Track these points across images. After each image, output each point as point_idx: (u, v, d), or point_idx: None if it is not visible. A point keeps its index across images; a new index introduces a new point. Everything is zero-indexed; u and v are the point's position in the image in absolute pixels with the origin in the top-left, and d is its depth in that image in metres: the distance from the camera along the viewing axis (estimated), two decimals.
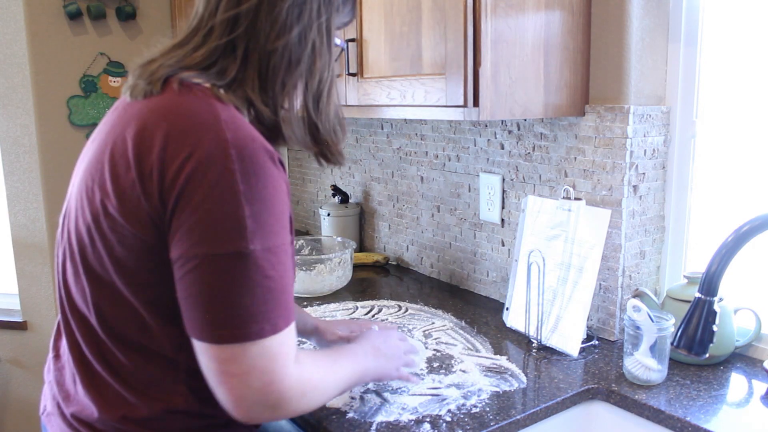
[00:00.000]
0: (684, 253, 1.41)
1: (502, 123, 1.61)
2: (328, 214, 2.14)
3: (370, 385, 1.18)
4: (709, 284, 0.97)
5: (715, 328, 0.98)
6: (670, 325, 1.17)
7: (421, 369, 1.26)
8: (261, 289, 0.76)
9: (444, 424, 1.05)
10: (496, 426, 1.05)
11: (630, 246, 1.37)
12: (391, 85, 1.42)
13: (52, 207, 2.47)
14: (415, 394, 1.15)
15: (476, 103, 1.23)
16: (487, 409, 1.10)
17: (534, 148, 1.53)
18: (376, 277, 1.94)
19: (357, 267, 2.00)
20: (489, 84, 1.24)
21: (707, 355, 0.99)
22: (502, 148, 1.62)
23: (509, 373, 1.25)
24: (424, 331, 1.47)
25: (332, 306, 1.67)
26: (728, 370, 1.24)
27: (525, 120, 1.54)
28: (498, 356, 1.33)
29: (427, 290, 1.80)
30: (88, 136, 0.89)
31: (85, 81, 2.52)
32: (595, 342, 1.37)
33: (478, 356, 1.33)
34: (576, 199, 1.39)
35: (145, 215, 0.78)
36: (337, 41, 0.96)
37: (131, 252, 0.81)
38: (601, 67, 1.37)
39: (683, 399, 1.13)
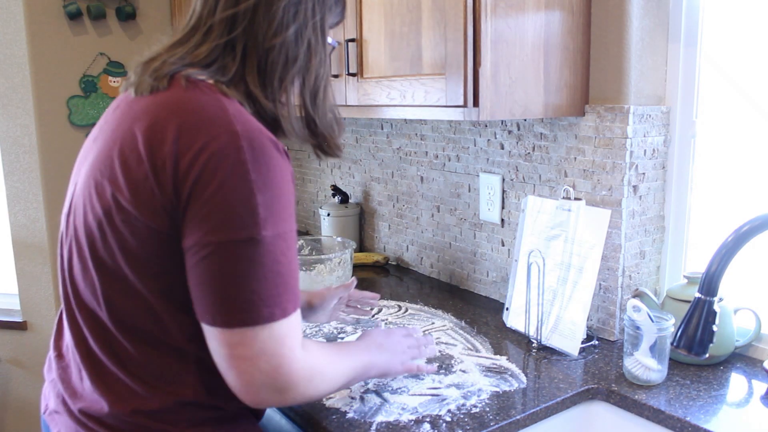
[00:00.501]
0: (684, 253, 1.41)
1: (502, 123, 1.61)
2: (328, 214, 2.14)
3: (370, 385, 1.18)
4: (709, 284, 0.97)
5: (715, 328, 0.98)
6: (670, 325, 1.17)
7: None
8: (272, 274, 0.79)
9: (444, 424, 1.05)
10: (496, 426, 1.05)
11: (630, 246, 1.37)
12: (391, 85, 1.42)
13: (52, 207, 2.48)
14: (415, 394, 1.15)
15: (476, 103, 1.23)
16: (487, 409, 1.10)
17: (534, 148, 1.53)
18: (376, 277, 1.94)
19: (357, 267, 2.00)
20: (489, 84, 1.24)
21: (707, 355, 0.99)
22: (502, 148, 1.62)
23: (509, 373, 1.25)
24: (424, 331, 1.47)
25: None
26: (728, 370, 1.24)
27: (525, 120, 1.54)
28: (498, 356, 1.33)
29: (427, 290, 1.80)
30: (87, 136, 0.90)
31: (85, 81, 2.52)
32: (595, 342, 1.37)
33: (478, 356, 1.33)
34: (576, 199, 1.39)
35: (159, 206, 0.81)
36: (330, 40, 0.99)
37: (144, 243, 0.83)
38: (601, 67, 1.37)
39: (683, 399, 1.13)
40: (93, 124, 2.52)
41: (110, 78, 2.55)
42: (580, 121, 1.40)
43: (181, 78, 0.86)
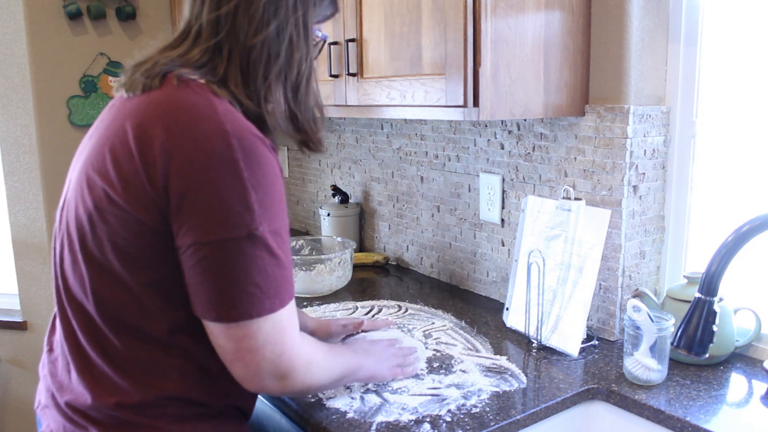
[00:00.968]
0: (684, 253, 1.41)
1: (502, 123, 1.61)
2: (328, 214, 2.14)
3: (370, 385, 1.18)
4: (709, 284, 0.97)
5: (715, 328, 0.98)
6: (670, 325, 1.17)
7: (422, 369, 1.26)
8: (271, 268, 0.83)
9: (444, 424, 1.05)
10: (496, 426, 1.05)
11: (630, 246, 1.37)
12: (391, 85, 1.42)
13: (52, 207, 2.48)
14: (415, 394, 1.15)
15: (476, 103, 1.23)
16: (487, 409, 1.10)
17: (534, 148, 1.53)
18: (376, 277, 1.94)
19: (357, 267, 2.00)
20: (489, 84, 1.24)
21: (707, 355, 0.99)
22: (502, 148, 1.62)
23: (509, 373, 1.25)
24: (424, 331, 1.47)
25: (332, 306, 1.67)
26: (728, 370, 1.24)
27: (525, 120, 1.54)
28: (498, 356, 1.33)
29: (427, 290, 1.80)
30: None
31: (85, 81, 2.52)
32: (595, 342, 1.37)
33: (478, 356, 1.33)
34: (576, 199, 1.39)
35: (149, 201, 0.82)
36: (319, 34, 1.00)
37: (134, 236, 0.84)
38: (601, 67, 1.37)
39: (683, 399, 1.13)
40: (93, 124, 2.53)
41: (110, 78, 2.56)
42: (580, 121, 1.40)
43: (173, 77, 0.88)
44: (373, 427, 1.05)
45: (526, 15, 1.27)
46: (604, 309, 1.41)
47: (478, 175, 1.71)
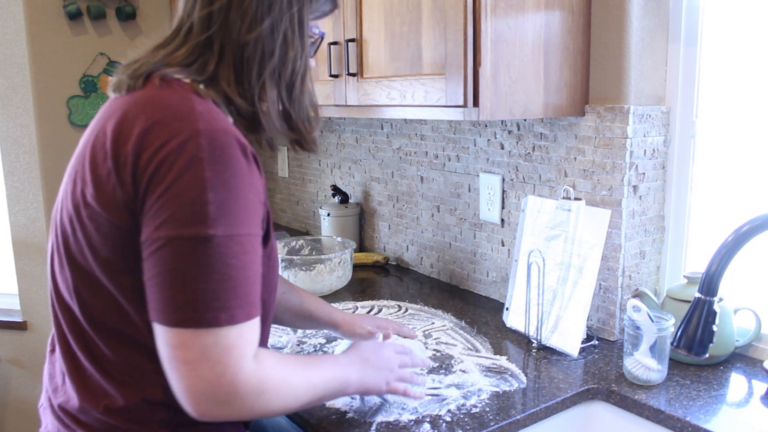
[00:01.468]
0: (684, 253, 1.41)
1: (502, 123, 1.61)
2: (328, 214, 2.14)
3: None
4: (709, 284, 0.97)
5: (715, 328, 0.98)
6: (670, 325, 1.17)
7: (422, 369, 1.26)
8: (219, 276, 0.77)
9: (444, 424, 1.05)
10: (496, 426, 1.05)
11: (630, 246, 1.37)
12: (391, 85, 1.42)
13: (51, 207, 2.46)
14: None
15: (476, 103, 1.23)
16: (487, 409, 1.10)
17: (534, 148, 1.53)
18: (376, 277, 1.94)
19: (357, 267, 2.00)
20: (489, 84, 1.24)
21: (707, 355, 0.99)
22: (502, 148, 1.62)
23: (509, 373, 1.25)
24: (424, 331, 1.47)
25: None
26: (728, 370, 1.24)
27: (525, 120, 1.54)
28: (498, 356, 1.33)
29: (427, 290, 1.80)
30: None
31: (85, 81, 2.52)
32: (595, 342, 1.37)
33: (478, 356, 1.33)
34: (576, 199, 1.39)
35: (120, 203, 0.81)
36: (315, 30, 0.98)
37: (108, 240, 0.83)
38: (601, 67, 1.37)
39: (683, 399, 1.13)
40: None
41: (110, 78, 2.55)
42: (580, 121, 1.40)
43: (156, 77, 0.87)
44: (373, 427, 1.05)
45: (526, 15, 1.27)
46: (604, 309, 1.41)
47: (478, 175, 1.71)
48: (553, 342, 1.35)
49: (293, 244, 1.94)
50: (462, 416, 1.08)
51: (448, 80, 1.27)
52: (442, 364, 1.29)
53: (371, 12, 1.48)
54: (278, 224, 2.73)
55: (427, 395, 1.15)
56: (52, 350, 0.98)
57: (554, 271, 1.39)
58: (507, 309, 1.51)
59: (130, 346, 0.86)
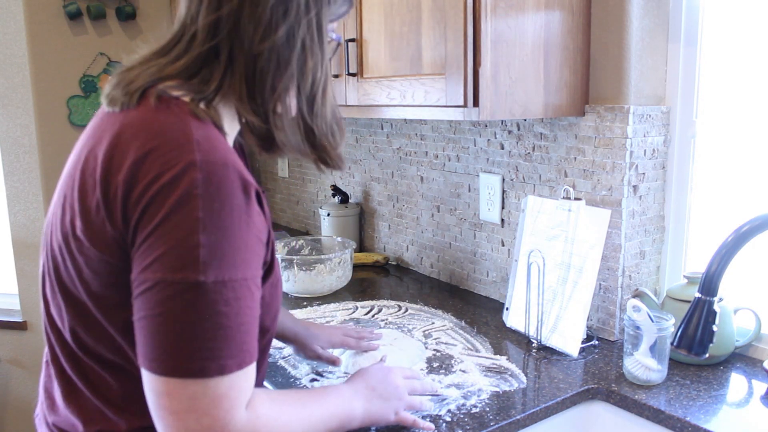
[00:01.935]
0: (684, 253, 1.41)
1: (502, 123, 1.61)
2: (328, 214, 2.14)
3: None
4: (709, 284, 0.97)
5: (715, 328, 0.98)
6: (670, 325, 1.17)
7: (422, 369, 1.26)
8: (209, 324, 0.71)
9: (444, 424, 1.05)
10: (496, 426, 1.05)
11: (630, 246, 1.37)
12: (391, 85, 1.42)
13: None
14: (415, 395, 1.15)
15: (476, 103, 1.23)
16: (487, 409, 1.10)
17: (534, 148, 1.53)
18: (376, 277, 1.94)
19: (357, 267, 2.00)
20: (489, 84, 1.24)
21: (707, 355, 0.99)
22: (502, 148, 1.62)
23: (509, 373, 1.25)
24: (424, 331, 1.47)
25: (332, 306, 1.67)
26: (728, 370, 1.24)
27: (525, 120, 1.54)
28: (498, 356, 1.33)
29: (427, 290, 1.80)
30: None
31: (85, 81, 2.52)
32: (595, 342, 1.37)
33: (478, 356, 1.33)
34: (576, 199, 1.39)
35: (110, 239, 0.75)
36: (333, 35, 0.89)
37: (99, 275, 0.78)
38: (601, 67, 1.37)
39: (683, 399, 1.13)
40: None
41: (109, 77, 2.55)
42: (580, 121, 1.40)
43: (152, 95, 0.79)
44: (373, 427, 1.05)
45: (526, 15, 1.27)
46: (604, 309, 1.41)
47: (478, 175, 1.71)
48: (553, 342, 1.35)
49: (293, 244, 1.94)
50: (462, 416, 1.08)
51: (448, 80, 1.27)
52: (442, 364, 1.29)
53: (371, 12, 1.48)
54: (278, 224, 2.73)
55: (427, 395, 1.15)
56: (47, 363, 0.94)
57: (554, 271, 1.39)
58: (507, 309, 1.51)
59: (126, 376, 0.82)
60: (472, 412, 1.09)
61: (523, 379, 1.22)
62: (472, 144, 1.71)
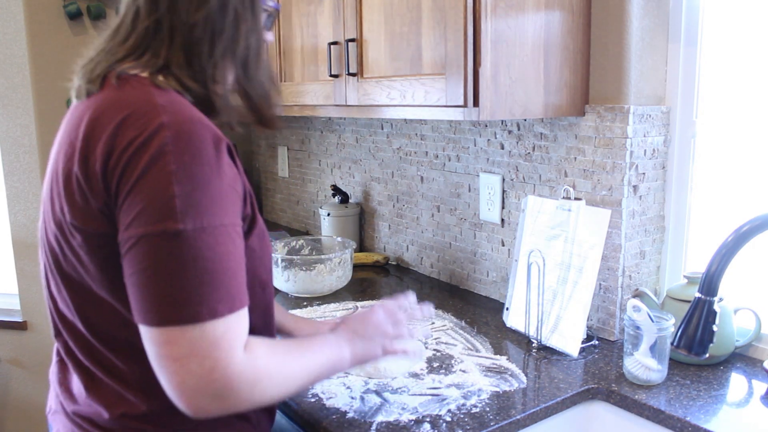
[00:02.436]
0: (684, 253, 1.42)
1: (502, 123, 1.61)
2: (328, 214, 2.14)
3: (371, 385, 1.18)
4: (709, 284, 0.97)
5: (715, 328, 0.98)
6: (670, 325, 1.17)
7: (421, 369, 1.26)
8: (195, 271, 0.74)
9: (444, 424, 1.05)
10: (496, 426, 1.05)
11: (630, 246, 1.37)
12: (391, 85, 1.42)
13: None
14: (415, 394, 1.16)
15: (476, 103, 1.23)
16: (487, 409, 1.10)
17: (534, 148, 1.53)
18: (376, 277, 1.94)
19: (357, 267, 2.00)
20: (489, 84, 1.24)
21: (707, 355, 0.99)
22: (502, 148, 1.62)
23: (509, 373, 1.25)
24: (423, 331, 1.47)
25: (332, 306, 1.67)
26: (728, 370, 1.24)
27: (525, 120, 1.54)
28: (498, 356, 1.33)
29: (427, 290, 1.80)
30: None
31: None
32: (595, 342, 1.37)
33: (478, 356, 1.33)
34: (576, 199, 1.39)
35: (96, 211, 0.79)
36: (270, 3, 0.94)
37: (95, 253, 0.81)
38: (601, 67, 1.37)
39: (683, 399, 1.13)
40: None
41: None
42: (580, 121, 1.40)
43: (112, 77, 0.84)
44: (373, 427, 1.05)
45: (526, 15, 1.27)
46: (604, 309, 1.41)
47: (478, 175, 1.71)
48: (553, 342, 1.35)
49: (293, 244, 1.94)
50: (462, 416, 1.08)
51: (448, 80, 1.27)
52: (442, 364, 1.29)
53: (371, 12, 1.48)
54: (278, 224, 2.73)
55: (427, 395, 1.15)
56: (60, 359, 0.96)
57: (554, 271, 1.39)
58: (507, 309, 1.51)
59: (140, 354, 0.83)
60: (472, 412, 1.09)
61: (523, 379, 1.22)
62: (472, 144, 1.71)
